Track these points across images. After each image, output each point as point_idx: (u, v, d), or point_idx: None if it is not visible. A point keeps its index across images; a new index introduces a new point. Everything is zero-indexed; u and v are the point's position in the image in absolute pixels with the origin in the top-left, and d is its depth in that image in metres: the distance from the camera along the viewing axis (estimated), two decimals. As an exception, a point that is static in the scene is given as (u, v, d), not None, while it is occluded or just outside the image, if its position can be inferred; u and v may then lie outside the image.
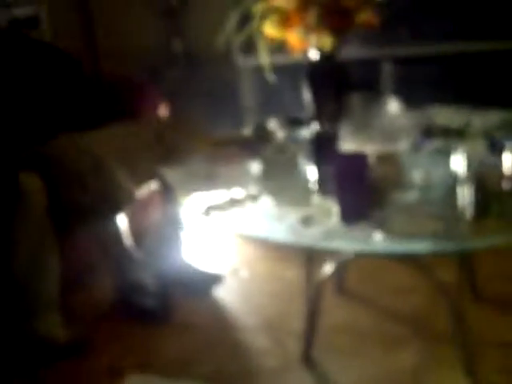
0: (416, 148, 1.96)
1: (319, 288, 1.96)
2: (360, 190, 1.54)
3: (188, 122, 2.51)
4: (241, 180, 1.85)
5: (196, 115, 3.00)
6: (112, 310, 2.37)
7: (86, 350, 2.10)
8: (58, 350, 2.06)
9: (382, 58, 3.45)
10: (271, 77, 2.28)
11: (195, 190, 1.82)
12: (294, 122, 2.26)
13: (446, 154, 1.78)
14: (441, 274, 1.84)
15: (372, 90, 2.84)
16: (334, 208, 1.57)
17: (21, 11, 3.31)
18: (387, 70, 3.44)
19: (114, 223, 2.31)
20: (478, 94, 3.11)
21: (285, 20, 2.22)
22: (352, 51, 3.37)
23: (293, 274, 2.38)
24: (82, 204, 2.08)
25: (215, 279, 2.49)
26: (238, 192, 1.77)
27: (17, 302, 2.03)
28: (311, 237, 1.52)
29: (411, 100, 2.26)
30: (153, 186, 2.37)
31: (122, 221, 2.34)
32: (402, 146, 1.96)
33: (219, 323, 2.27)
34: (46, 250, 2.03)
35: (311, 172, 1.77)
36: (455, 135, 1.97)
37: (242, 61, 3.60)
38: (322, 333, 2.00)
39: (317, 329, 1.97)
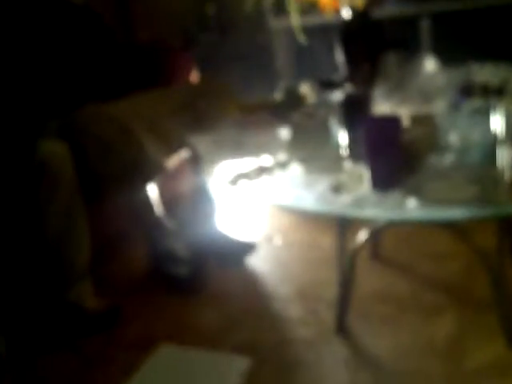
0: (453, 108, 1.87)
1: (353, 255, 1.91)
2: (392, 155, 1.47)
3: (219, 88, 2.45)
4: (270, 147, 1.80)
5: (229, 80, 2.95)
6: (145, 279, 2.37)
7: (118, 319, 2.09)
8: (90, 320, 2.06)
9: (419, 15, 3.32)
10: (302, 38, 2.21)
11: (223, 158, 1.78)
12: (327, 85, 2.19)
13: (484, 114, 1.69)
14: (480, 239, 1.77)
15: (409, 48, 2.74)
16: (366, 174, 1.51)
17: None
18: (425, 27, 3.31)
19: (145, 192, 2.28)
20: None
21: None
22: (388, 8, 3.27)
23: (327, 241, 2.33)
24: (110, 173, 2.05)
25: (249, 248, 2.46)
26: (266, 160, 1.71)
27: (49, 272, 2.03)
28: (341, 205, 1.47)
29: (450, 58, 2.16)
30: (183, 154, 2.33)
31: (152, 190, 2.31)
32: (439, 106, 1.87)
33: (253, 292, 2.24)
34: (75, 219, 2.01)
35: (342, 137, 1.70)
36: (495, 93, 1.87)
37: (274, 23, 3.52)
38: (356, 301, 1.96)
39: (351, 297, 1.93)
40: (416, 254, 2.26)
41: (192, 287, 2.25)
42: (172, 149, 2.23)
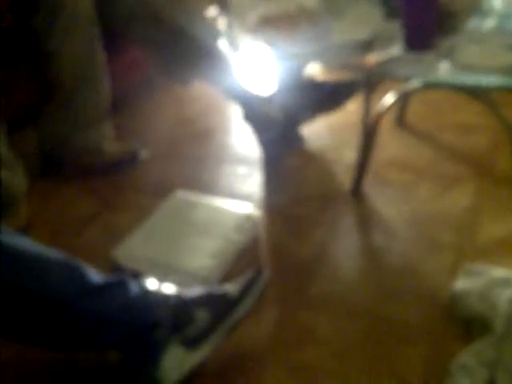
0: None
1: (377, 118, 1.85)
2: (429, 13, 1.38)
3: None
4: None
5: None
6: (170, 129, 2.33)
7: (136, 164, 2.10)
8: (108, 163, 2.06)
9: None
10: None
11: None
12: None
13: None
14: (510, 114, 1.70)
15: None
16: (399, 33, 1.44)
17: None
18: None
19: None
20: None
21: None
22: None
23: (354, 105, 2.25)
24: None
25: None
26: (293, 7, 1.61)
27: (67, 113, 2.01)
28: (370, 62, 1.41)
29: None
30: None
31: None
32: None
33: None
34: (93, 58, 1.96)
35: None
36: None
37: None
38: (375, 166, 1.93)
39: (370, 161, 1.90)
40: (443, 124, 2.20)
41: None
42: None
